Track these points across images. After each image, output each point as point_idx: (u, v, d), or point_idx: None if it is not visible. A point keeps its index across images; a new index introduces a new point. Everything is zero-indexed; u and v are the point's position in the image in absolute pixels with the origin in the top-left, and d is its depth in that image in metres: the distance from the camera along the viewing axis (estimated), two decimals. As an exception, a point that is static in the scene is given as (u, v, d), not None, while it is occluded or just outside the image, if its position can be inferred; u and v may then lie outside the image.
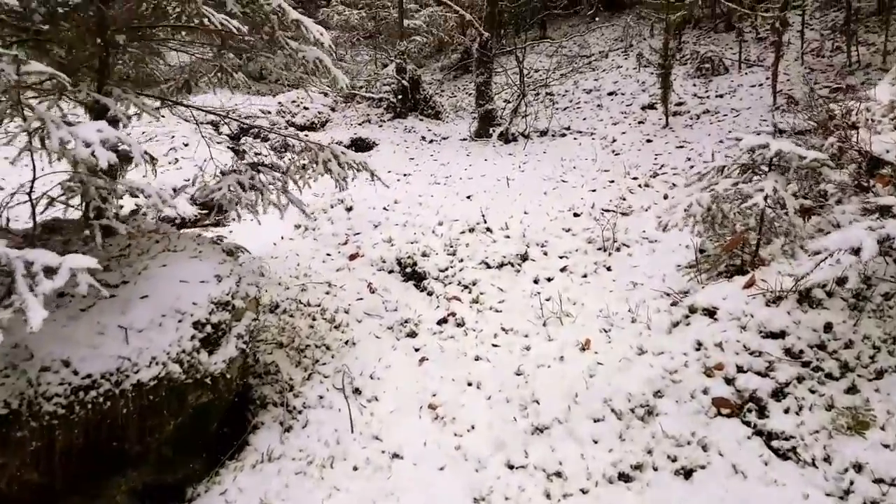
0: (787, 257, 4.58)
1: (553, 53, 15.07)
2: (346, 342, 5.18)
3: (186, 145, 11.53)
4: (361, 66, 18.86)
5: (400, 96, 14.55)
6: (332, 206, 7.66)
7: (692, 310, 4.62)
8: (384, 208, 7.44)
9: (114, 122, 4.49)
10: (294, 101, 16.40)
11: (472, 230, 6.79)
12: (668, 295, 5.21)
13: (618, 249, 6.36)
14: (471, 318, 5.53)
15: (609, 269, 6.10)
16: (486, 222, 6.89)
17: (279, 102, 16.13)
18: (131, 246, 4.07)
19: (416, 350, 5.21)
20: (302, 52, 4.07)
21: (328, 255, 6.81)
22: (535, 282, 5.99)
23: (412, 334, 5.43)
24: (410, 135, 13.24)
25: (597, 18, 16.79)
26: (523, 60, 11.87)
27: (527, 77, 13.61)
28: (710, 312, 4.46)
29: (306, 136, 13.89)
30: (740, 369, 3.91)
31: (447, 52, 19.36)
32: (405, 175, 9.69)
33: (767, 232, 4.67)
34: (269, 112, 15.62)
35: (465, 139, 12.38)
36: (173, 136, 11.45)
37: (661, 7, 10.16)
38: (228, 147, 12.74)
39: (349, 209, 7.59)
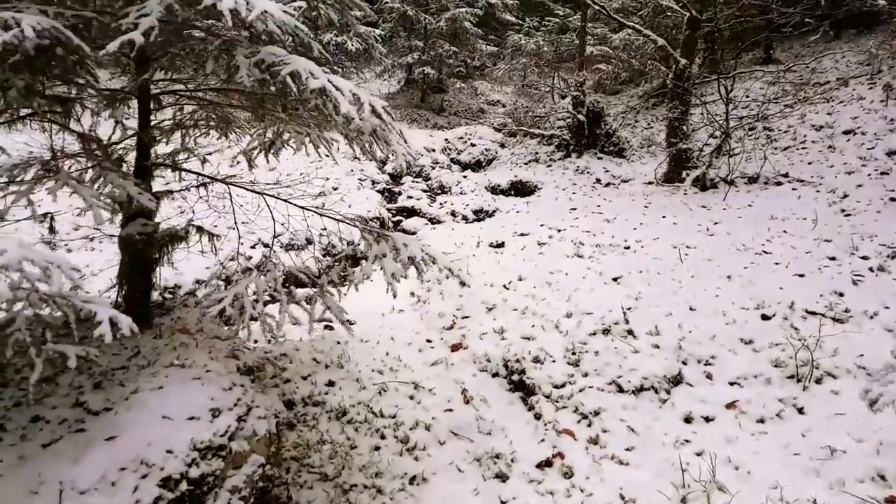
0: None
1: (776, 80, 12.80)
2: (413, 479, 4.26)
3: (336, 189, 11.67)
4: (535, 100, 18.08)
5: (574, 132, 13.44)
6: (447, 276, 6.84)
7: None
8: (504, 286, 6.44)
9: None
10: (461, 138, 16.13)
11: (607, 331, 5.49)
12: (884, 480, 3.48)
13: (818, 381, 4.63)
14: (582, 467, 4.28)
15: (801, 411, 4.42)
16: (628, 322, 5.53)
17: (446, 139, 15.98)
18: (140, 353, 3.63)
19: None
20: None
21: (428, 341, 6.00)
22: (687, 421, 4.54)
23: (502, 477, 4.35)
24: (582, 177, 12.04)
25: (836, 37, 14.01)
26: (731, 90, 10.06)
27: (739, 108, 11.65)
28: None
29: (464, 177, 13.45)
30: None
31: (647, 77, 17.73)
32: (558, 230, 8.56)
33: None
34: (434, 150, 15.49)
35: (649, 183, 10.87)
36: (327, 179, 11.62)
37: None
38: (381, 190, 12.73)
39: (463, 284, 6.70)
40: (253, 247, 8.85)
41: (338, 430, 4.66)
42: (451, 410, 5.06)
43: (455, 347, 5.80)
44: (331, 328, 6.75)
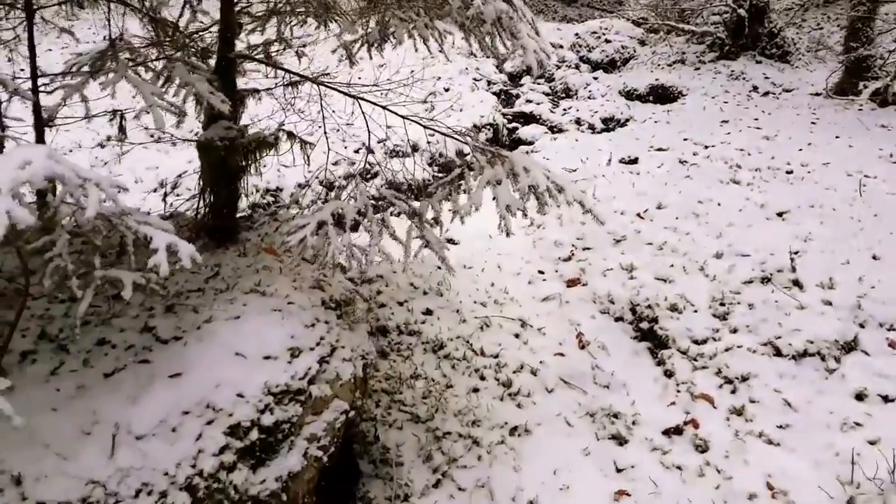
0: None
1: None
2: (515, 430, 3.84)
3: (447, 90, 10.97)
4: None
5: (731, 29, 11.71)
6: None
7: None
8: (638, 214, 5.64)
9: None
10: (594, 33, 14.62)
11: (766, 279, 4.64)
12: None
13: None
14: (721, 442, 3.66)
15: None
16: (794, 270, 4.63)
17: (576, 34, 14.56)
18: (219, 275, 3.32)
19: (619, 472, 3.62)
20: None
21: (540, 273, 5.42)
22: (859, 399, 3.75)
23: (619, 439, 3.84)
24: (736, 83, 10.54)
25: None
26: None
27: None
28: None
29: (594, 78, 12.23)
30: None
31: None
32: (705, 147, 7.49)
33: None
34: (561, 46, 14.19)
35: (817, 94, 9.34)
36: (438, 79, 10.93)
37: None
38: (497, 92, 11.85)
39: (587, 210, 5.95)
40: (356, 151, 8.47)
41: (433, 364, 4.29)
42: (562, 355, 4.54)
43: (572, 283, 5.19)
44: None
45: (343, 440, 3.33)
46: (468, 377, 4.22)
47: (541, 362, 4.44)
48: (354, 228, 3.11)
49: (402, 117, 3.62)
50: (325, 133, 4.00)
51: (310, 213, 2.93)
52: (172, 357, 2.82)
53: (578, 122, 10.94)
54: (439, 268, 5.15)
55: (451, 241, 6.55)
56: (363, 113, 3.58)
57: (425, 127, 3.53)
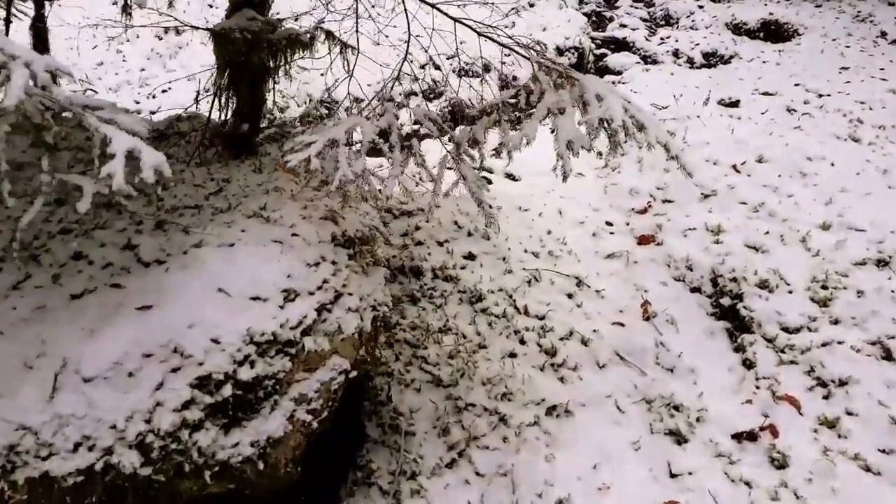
0: None
1: None
2: (553, 409, 3.35)
3: (532, 6, 10.04)
4: None
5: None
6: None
7: None
8: (734, 167, 4.86)
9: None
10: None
11: (883, 263, 3.90)
12: None
13: None
14: (804, 459, 3.09)
15: None
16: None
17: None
18: (223, 191, 2.89)
19: (672, 477, 3.12)
20: None
21: (608, 224, 4.79)
22: None
23: (677, 436, 3.31)
24: (862, 26, 9.25)
25: None
26: None
27: None
28: None
29: (700, 6, 10.99)
30: None
31: None
32: (819, 96, 6.51)
33: None
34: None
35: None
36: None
37: None
38: (588, 13, 10.80)
39: (672, 156, 5.20)
40: (423, 66, 7.82)
41: (467, 318, 3.80)
42: (621, 325, 3.97)
43: (644, 239, 4.55)
44: (487, 179, 5.72)
45: (346, 398, 2.91)
46: (505, 339, 3.72)
47: (594, 331, 3.89)
48: (378, 153, 2.57)
49: (453, 19, 2.99)
50: (357, 32, 3.41)
51: (322, 130, 2.39)
52: (148, 284, 2.42)
53: (676, 53, 9.95)
54: (489, 206, 4.57)
55: (509, 175, 5.95)
56: (406, 11, 2.97)
57: (478, 33, 2.91)
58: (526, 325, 3.85)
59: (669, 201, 4.82)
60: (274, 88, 3.51)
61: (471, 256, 4.23)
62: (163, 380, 2.22)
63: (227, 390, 2.31)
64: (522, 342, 3.76)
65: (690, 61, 9.82)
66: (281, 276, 2.50)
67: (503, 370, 3.50)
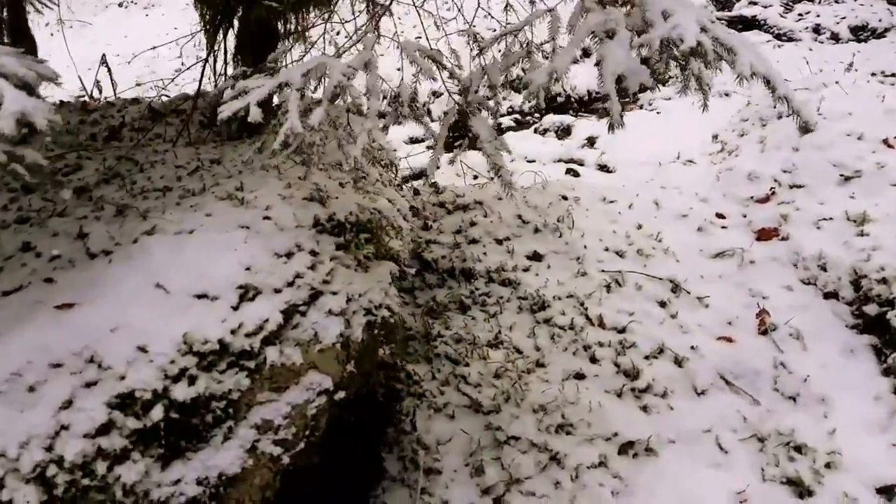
0: None
1: None
2: (630, 447, 2.66)
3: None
4: None
5: None
6: (780, 116, 4.44)
7: None
8: (885, 142, 3.86)
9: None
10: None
11: None
12: None
13: None
14: None
15: None
16: None
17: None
18: (201, 169, 2.47)
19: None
20: None
21: (719, 217, 3.96)
22: None
23: (799, 488, 2.52)
24: None
25: None
26: None
27: None
28: None
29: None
30: None
31: None
32: None
33: None
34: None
35: None
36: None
37: None
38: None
39: (806, 129, 4.24)
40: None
41: (526, 329, 3.15)
42: (728, 340, 3.17)
43: (765, 234, 3.69)
44: (574, 172, 5.03)
45: (354, 424, 2.38)
46: (571, 355, 3.03)
47: (692, 347, 3.11)
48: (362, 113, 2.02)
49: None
50: None
51: (270, 77, 1.88)
52: (81, 279, 2.03)
53: (817, 29, 8.80)
54: (564, 198, 3.90)
55: (603, 167, 5.24)
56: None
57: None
58: (600, 339, 3.14)
59: (798, 186, 3.90)
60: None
61: (536, 256, 3.58)
62: (72, 396, 1.78)
63: (158, 412, 1.83)
64: (593, 360, 3.05)
65: (835, 37, 8.66)
66: (238, 269, 2.01)
67: (563, 395, 2.81)
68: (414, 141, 6.00)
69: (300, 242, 2.12)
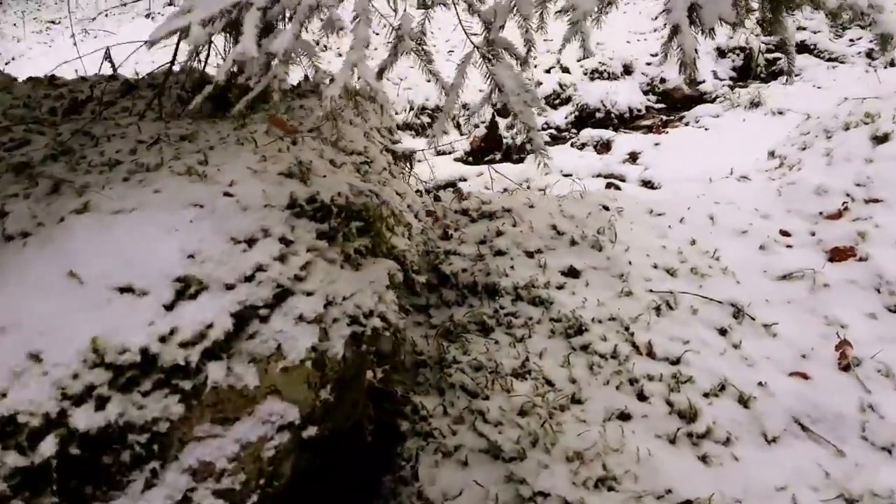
0: None
1: None
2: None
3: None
4: None
5: None
6: (847, 127, 3.84)
7: None
8: None
9: None
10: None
11: None
12: None
13: None
14: None
15: None
16: None
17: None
18: (163, 142, 1.98)
19: None
20: None
21: (783, 234, 3.36)
22: None
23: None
24: None
25: None
26: None
27: None
28: None
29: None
30: None
31: None
32: None
33: None
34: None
35: None
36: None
37: None
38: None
39: (880, 138, 3.63)
40: (547, 71, 6.77)
41: (559, 357, 2.57)
42: (803, 377, 2.56)
43: (839, 254, 3.07)
44: (616, 187, 4.47)
45: (336, 468, 1.83)
46: (614, 390, 2.44)
47: (760, 384, 2.51)
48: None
49: None
50: None
51: None
52: (-18, 267, 1.50)
53: (869, 55, 8.22)
54: (605, 208, 3.34)
55: (647, 183, 4.67)
56: None
57: None
58: (648, 371, 2.54)
59: (875, 201, 3.29)
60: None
61: (572, 272, 3.00)
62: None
63: (50, 446, 1.31)
64: (641, 397, 2.46)
65: (891, 63, 8.02)
66: (178, 257, 1.48)
67: (604, 439, 2.21)
68: (439, 153, 5.51)
69: (267, 226, 1.59)
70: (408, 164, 2.67)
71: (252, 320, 1.51)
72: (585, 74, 6.61)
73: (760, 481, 2.25)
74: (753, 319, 2.85)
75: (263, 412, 1.50)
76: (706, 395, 2.50)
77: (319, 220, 1.71)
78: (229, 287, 1.49)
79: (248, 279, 1.52)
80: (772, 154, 4.55)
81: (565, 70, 6.64)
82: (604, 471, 2.12)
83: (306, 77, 2.65)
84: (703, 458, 2.30)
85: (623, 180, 4.80)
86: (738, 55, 7.73)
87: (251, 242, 1.56)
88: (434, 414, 2.40)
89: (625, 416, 2.39)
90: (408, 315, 2.97)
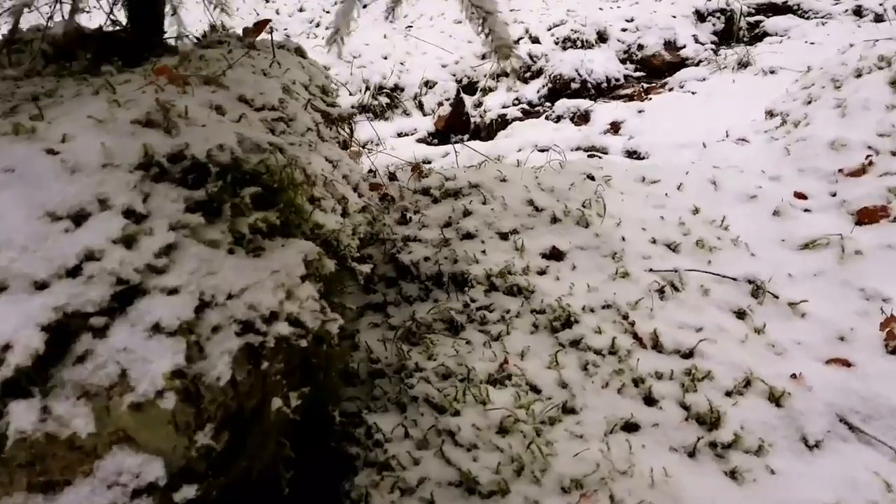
0: None
1: None
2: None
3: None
4: None
5: None
6: (859, 74, 3.42)
7: None
8: None
9: None
10: None
11: None
12: None
13: None
14: None
15: None
16: None
17: None
18: (46, 100, 1.46)
19: None
20: None
21: (799, 197, 2.95)
22: None
23: None
24: None
25: None
26: None
27: None
28: None
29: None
30: None
31: None
32: None
33: None
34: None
35: None
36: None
37: None
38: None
39: (904, 80, 3.21)
40: (517, 41, 6.26)
41: (544, 357, 2.13)
42: (844, 364, 2.15)
43: (869, 215, 2.65)
44: (595, 154, 4.03)
45: None
46: (615, 394, 1.98)
47: (793, 376, 2.06)
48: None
49: None
50: None
51: None
52: None
53: (858, 12, 7.91)
54: (590, 177, 2.88)
55: (633, 153, 4.24)
56: None
57: None
58: (656, 367, 2.09)
59: (903, 152, 2.86)
60: None
61: (555, 254, 2.54)
62: None
63: None
64: (650, 401, 2.00)
65: (879, 18, 7.75)
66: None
67: (608, 459, 1.75)
68: (401, 135, 5.03)
69: (105, 194, 1.09)
70: (346, 130, 2.18)
71: (80, 335, 1.01)
72: (557, 44, 6.15)
73: (804, 499, 1.81)
74: (776, 298, 2.41)
75: (109, 470, 1.01)
76: (729, 393, 2.06)
77: (192, 185, 1.21)
78: (41, 286, 0.99)
79: (73, 273, 1.02)
80: (770, 113, 4.14)
81: (535, 40, 6.18)
82: (612, 500, 1.65)
83: (213, 27, 2.15)
84: (732, 474, 1.85)
85: (605, 152, 4.36)
86: (718, 18, 7.34)
87: (79, 219, 1.06)
88: (392, 437, 1.92)
89: (631, 427, 1.94)
90: (361, 317, 2.50)
